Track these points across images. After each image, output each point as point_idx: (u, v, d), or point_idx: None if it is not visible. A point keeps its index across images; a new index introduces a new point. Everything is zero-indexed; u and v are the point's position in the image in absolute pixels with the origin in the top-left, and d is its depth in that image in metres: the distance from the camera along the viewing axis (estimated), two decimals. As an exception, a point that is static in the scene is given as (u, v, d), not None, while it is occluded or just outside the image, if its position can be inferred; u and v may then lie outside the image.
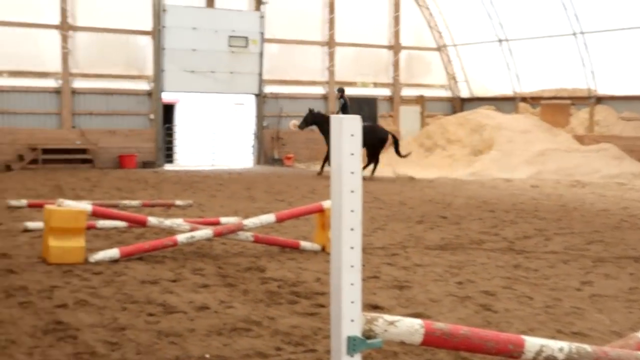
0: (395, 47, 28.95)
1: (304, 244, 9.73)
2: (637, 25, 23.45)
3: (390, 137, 22.23)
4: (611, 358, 3.96)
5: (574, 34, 25.20)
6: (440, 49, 29.98)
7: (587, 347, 4.02)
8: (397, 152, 22.46)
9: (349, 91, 28.00)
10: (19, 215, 12.33)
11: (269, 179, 20.70)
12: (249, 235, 9.34)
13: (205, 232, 9.15)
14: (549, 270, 8.62)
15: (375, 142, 21.23)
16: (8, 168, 22.00)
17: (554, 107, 26.33)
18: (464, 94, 30.35)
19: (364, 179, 19.95)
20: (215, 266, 8.51)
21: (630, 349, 4.23)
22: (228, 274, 8.08)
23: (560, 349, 3.87)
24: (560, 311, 6.75)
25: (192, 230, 9.24)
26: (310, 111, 22.41)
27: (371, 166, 21.56)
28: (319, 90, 27.59)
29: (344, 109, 22.40)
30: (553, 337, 5.37)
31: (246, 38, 25.10)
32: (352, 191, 3.30)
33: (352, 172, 3.29)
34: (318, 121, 22.10)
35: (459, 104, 30.30)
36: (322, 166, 22.01)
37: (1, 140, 22.33)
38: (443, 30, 29.71)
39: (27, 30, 22.70)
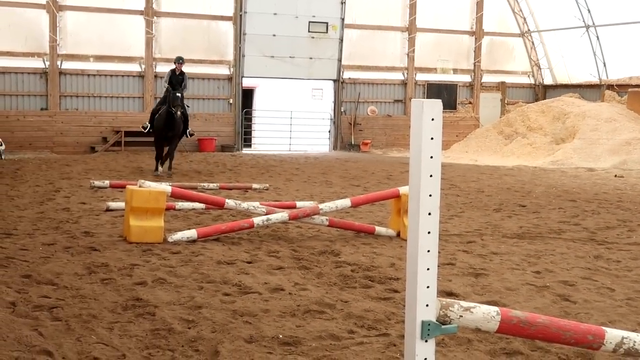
0: (477, 33, 28.46)
1: (379, 229, 9.69)
2: None
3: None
4: (697, 353, 3.80)
5: (665, 19, 24.26)
6: (523, 34, 29.32)
7: (672, 341, 3.87)
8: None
9: (429, 77, 27.77)
10: (101, 195, 12.72)
11: (345, 164, 20.70)
12: (324, 219, 9.36)
13: (281, 215, 9.22)
14: (632, 262, 8.34)
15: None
16: (92, 150, 22.69)
17: (641, 95, 25.41)
18: (547, 81, 29.64)
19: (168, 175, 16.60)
20: (290, 249, 8.57)
21: None
22: (303, 257, 8.12)
23: (643, 342, 3.74)
24: (643, 304, 6.54)
25: (268, 213, 9.32)
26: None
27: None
28: (398, 76, 27.38)
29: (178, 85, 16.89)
30: (634, 330, 5.21)
31: (326, 24, 25.10)
32: (431, 175, 3.26)
33: (432, 157, 3.25)
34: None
35: (541, 91, 29.61)
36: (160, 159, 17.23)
37: (86, 122, 23.03)
38: (527, 15, 29.03)
39: (112, 16, 23.29)
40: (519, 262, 8.18)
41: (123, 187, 11.30)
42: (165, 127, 16.74)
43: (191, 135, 17.84)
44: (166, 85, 17.07)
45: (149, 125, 17.33)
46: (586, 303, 6.52)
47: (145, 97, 23.71)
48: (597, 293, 6.89)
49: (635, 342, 3.72)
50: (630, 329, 5.44)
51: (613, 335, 3.68)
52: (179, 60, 17.32)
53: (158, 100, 18.79)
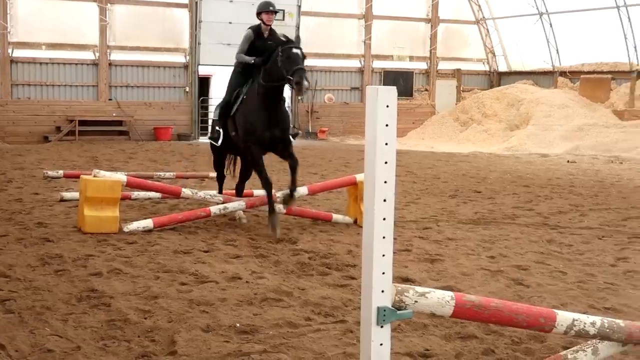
0: (433, 20, 28.61)
1: (337, 216, 9.72)
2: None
3: None
4: (644, 334, 3.90)
5: (617, 7, 24.66)
6: (478, 22, 29.57)
7: (620, 322, 3.97)
8: None
9: (385, 64, 27.84)
10: (55, 185, 12.53)
11: (302, 152, 20.67)
12: (281, 207, 9.35)
13: (238, 203, 9.20)
14: (584, 246, 8.51)
15: None
16: (45, 139, 22.29)
17: (593, 81, 25.85)
18: (502, 68, 29.97)
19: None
20: (247, 237, 8.55)
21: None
22: (260, 245, 8.11)
23: (593, 324, 3.83)
24: (594, 287, 6.67)
25: (225, 201, 9.28)
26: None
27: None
28: (355, 63, 27.42)
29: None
30: (585, 313, 5.31)
31: (283, 11, 24.94)
32: (386, 162, 3.27)
33: (387, 144, 3.26)
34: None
35: (496, 78, 29.93)
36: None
37: (39, 112, 22.60)
38: (482, 3, 29.28)
39: (65, 3, 22.86)
40: (474, 248, 8.28)
41: (77, 177, 11.12)
42: (272, 122, 8.96)
43: (296, 134, 9.66)
44: (245, 58, 9.74)
45: (221, 130, 9.87)
46: (539, 287, 6.63)
47: (99, 86, 23.34)
48: (550, 277, 7.02)
49: (585, 324, 3.80)
50: (581, 311, 5.55)
51: (564, 317, 3.76)
52: (269, 7, 9.73)
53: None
